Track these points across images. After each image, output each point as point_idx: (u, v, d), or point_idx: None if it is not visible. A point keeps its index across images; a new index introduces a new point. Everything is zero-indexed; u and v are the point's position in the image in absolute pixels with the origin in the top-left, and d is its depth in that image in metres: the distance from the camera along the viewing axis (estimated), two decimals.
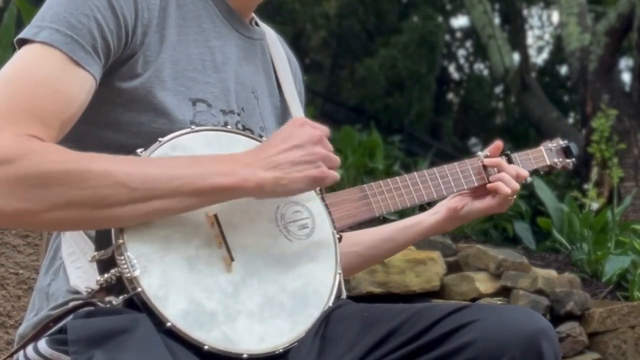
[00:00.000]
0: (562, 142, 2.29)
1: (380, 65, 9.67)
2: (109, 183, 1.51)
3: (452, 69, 11.40)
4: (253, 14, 1.96)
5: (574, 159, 2.30)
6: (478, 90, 11.00)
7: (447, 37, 10.97)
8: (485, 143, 9.53)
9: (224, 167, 1.60)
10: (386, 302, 1.91)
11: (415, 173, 1.99)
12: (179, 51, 1.76)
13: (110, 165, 1.53)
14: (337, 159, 1.71)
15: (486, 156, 2.09)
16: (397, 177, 1.97)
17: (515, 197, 2.10)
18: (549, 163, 2.25)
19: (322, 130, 1.71)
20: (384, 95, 9.71)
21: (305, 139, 1.66)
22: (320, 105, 9.34)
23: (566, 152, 2.28)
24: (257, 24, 1.98)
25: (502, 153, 2.14)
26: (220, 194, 1.60)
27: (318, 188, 1.80)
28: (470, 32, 10.69)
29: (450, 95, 11.02)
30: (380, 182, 1.94)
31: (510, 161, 2.13)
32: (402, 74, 9.67)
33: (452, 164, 2.05)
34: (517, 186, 2.06)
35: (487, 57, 8.74)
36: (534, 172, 2.24)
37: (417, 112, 9.71)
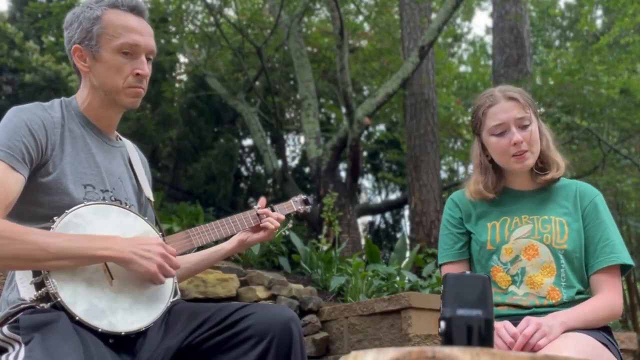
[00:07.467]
0: (303, 197, 2.29)
1: (202, 167, 9.71)
2: (35, 247, 1.53)
3: (243, 169, 11.51)
4: (116, 132, 1.95)
5: (310, 206, 2.29)
6: (258, 181, 11.14)
7: (240, 151, 11.09)
8: None
9: (106, 244, 1.62)
10: (205, 303, 1.94)
11: (217, 220, 1.99)
12: (74, 157, 1.77)
13: (38, 238, 1.55)
14: (170, 272, 1.70)
15: (259, 208, 2.09)
16: (207, 224, 1.96)
17: (277, 230, 2.08)
18: (295, 209, 2.24)
19: (167, 249, 1.71)
20: (203, 184, 9.71)
21: (154, 250, 1.67)
22: (167, 190, 9.22)
23: (305, 202, 2.28)
24: (120, 138, 1.98)
25: (268, 206, 2.12)
26: (100, 260, 1.62)
27: (160, 236, 1.80)
28: (254, 148, 10.86)
29: (242, 185, 11.12)
30: (197, 226, 1.95)
31: (273, 210, 2.13)
32: (214, 172, 9.74)
33: (239, 214, 2.05)
34: (278, 224, 2.07)
35: (263, 162, 8.89)
36: (288, 216, 2.22)
37: (223, 194, 9.75)
